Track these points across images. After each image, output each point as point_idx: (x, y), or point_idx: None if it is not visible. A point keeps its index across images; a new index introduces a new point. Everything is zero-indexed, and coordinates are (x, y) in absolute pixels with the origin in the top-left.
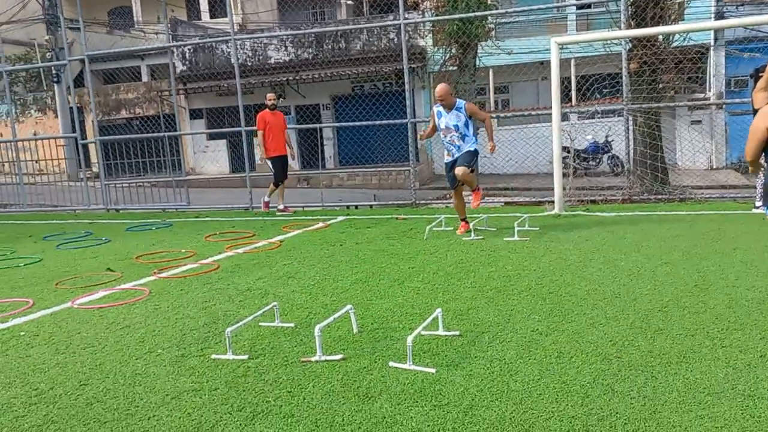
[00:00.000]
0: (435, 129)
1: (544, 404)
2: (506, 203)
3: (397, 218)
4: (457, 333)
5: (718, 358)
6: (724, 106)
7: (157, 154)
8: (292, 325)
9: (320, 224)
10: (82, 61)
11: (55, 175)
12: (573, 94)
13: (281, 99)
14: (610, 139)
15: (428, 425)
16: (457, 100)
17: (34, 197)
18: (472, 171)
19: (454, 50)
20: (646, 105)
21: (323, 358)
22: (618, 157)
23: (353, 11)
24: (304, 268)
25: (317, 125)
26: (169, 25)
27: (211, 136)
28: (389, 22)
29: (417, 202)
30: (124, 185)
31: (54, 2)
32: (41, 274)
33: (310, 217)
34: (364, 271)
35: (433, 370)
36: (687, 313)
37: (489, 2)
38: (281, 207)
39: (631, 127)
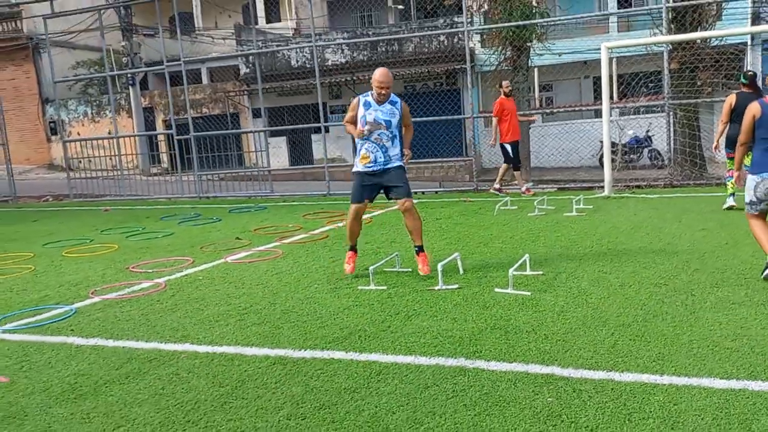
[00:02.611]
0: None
1: (614, 309)
2: (559, 188)
3: (465, 200)
4: (541, 272)
5: (742, 284)
6: None
7: (225, 149)
8: (409, 270)
9: (398, 206)
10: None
11: (129, 170)
12: (614, 91)
13: (337, 98)
14: (650, 134)
15: (533, 320)
16: (392, 93)
17: (119, 189)
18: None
19: (509, 52)
20: (686, 101)
21: (444, 287)
22: (658, 151)
23: (401, 16)
24: (400, 236)
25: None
26: (251, 30)
27: (272, 134)
28: (456, 29)
29: (479, 187)
30: (209, 177)
31: (129, 11)
32: (181, 242)
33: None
34: (451, 238)
35: (528, 293)
36: (719, 259)
37: (540, 8)
38: (523, 189)
39: (671, 121)
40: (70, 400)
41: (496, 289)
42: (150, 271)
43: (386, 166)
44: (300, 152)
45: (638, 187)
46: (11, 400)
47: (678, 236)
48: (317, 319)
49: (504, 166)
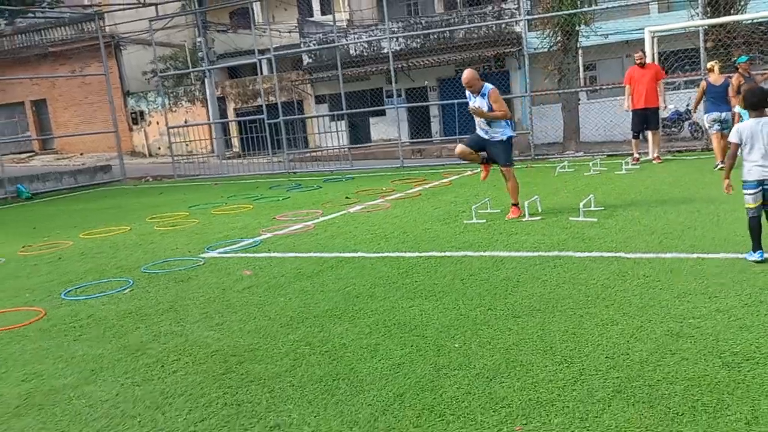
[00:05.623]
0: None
1: (660, 226)
2: (608, 155)
3: (527, 166)
4: (602, 208)
5: None
6: None
7: (294, 132)
8: (498, 210)
9: (469, 172)
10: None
11: (203, 156)
12: None
13: (394, 83)
14: (690, 107)
15: (601, 234)
16: (484, 84)
17: (219, 168)
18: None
19: (559, 36)
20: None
21: (529, 218)
22: (698, 124)
23: (448, 3)
24: (481, 192)
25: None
26: (311, 23)
27: (333, 118)
28: (514, 18)
29: (535, 156)
30: (293, 157)
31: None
32: (299, 203)
33: (455, 169)
34: (524, 191)
35: (595, 219)
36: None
37: None
38: (655, 155)
39: None
40: (304, 278)
41: (570, 218)
42: (293, 218)
43: (488, 139)
44: (358, 134)
45: (678, 151)
46: (266, 280)
47: (710, 184)
48: (442, 238)
49: (652, 134)
